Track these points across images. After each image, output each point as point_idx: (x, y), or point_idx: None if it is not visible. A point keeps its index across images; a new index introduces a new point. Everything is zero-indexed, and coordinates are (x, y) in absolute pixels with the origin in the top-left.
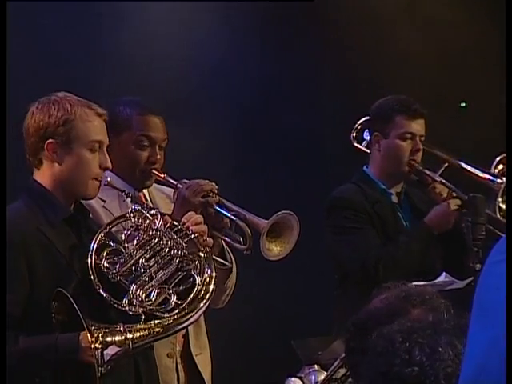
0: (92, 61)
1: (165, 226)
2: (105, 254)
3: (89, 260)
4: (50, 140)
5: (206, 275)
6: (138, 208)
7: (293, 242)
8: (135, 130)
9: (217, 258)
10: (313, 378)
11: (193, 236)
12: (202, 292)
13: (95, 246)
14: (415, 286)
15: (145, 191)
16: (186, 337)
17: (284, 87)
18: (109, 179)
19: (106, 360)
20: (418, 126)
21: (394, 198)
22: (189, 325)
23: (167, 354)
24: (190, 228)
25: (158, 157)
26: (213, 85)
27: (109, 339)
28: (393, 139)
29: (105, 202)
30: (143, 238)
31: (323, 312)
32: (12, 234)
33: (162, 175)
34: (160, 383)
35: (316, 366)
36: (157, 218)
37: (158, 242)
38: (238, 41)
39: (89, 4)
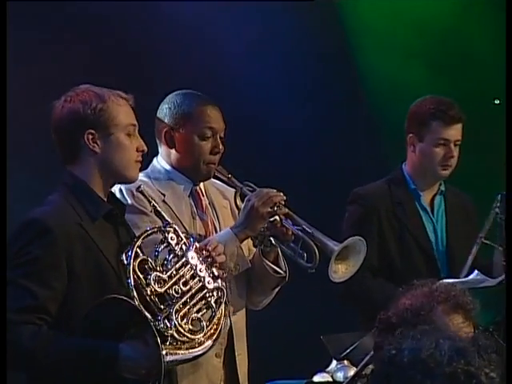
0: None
1: (196, 253)
2: (137, 264)
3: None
4: (89, 130)
5: (221, 309)
6: (174, 226)
7: (358, 265)
8: (198, 121)
9: (271, 265)
10: (342, 373)
11: (216, 266)
12: (216, 325)
13: (133, 254)
14: (443, 283)
15: (201, 185)
16: (229, 337)
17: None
18: None
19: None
20: (454, 132)
21: (425, 200)
22: (208, 350)
23: (215, 353)
24: (215, 259)
25: (221, 147)
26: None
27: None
28: (427, 145)
29: (164, 195)
30: (177, 262)
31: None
32: (54, 229)
33: (228, 175)
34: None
35: (346, 361)
36: (191, 245)
37: (191, 270)
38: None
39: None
